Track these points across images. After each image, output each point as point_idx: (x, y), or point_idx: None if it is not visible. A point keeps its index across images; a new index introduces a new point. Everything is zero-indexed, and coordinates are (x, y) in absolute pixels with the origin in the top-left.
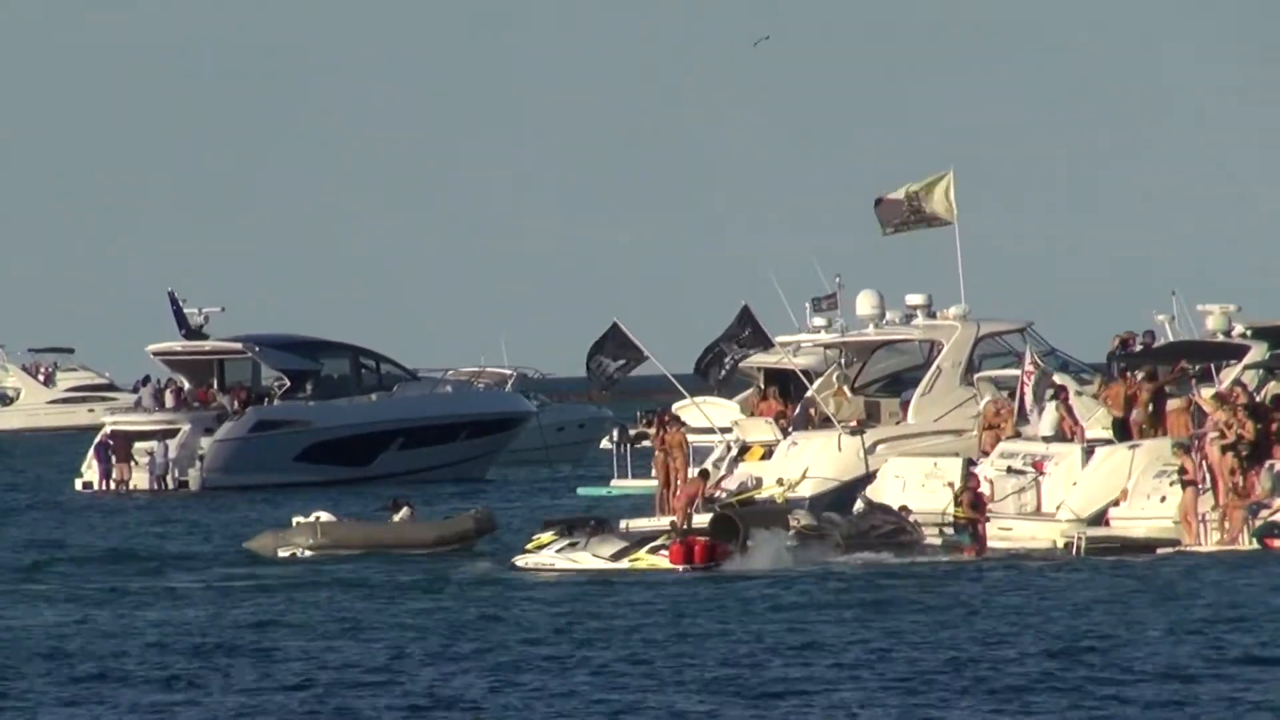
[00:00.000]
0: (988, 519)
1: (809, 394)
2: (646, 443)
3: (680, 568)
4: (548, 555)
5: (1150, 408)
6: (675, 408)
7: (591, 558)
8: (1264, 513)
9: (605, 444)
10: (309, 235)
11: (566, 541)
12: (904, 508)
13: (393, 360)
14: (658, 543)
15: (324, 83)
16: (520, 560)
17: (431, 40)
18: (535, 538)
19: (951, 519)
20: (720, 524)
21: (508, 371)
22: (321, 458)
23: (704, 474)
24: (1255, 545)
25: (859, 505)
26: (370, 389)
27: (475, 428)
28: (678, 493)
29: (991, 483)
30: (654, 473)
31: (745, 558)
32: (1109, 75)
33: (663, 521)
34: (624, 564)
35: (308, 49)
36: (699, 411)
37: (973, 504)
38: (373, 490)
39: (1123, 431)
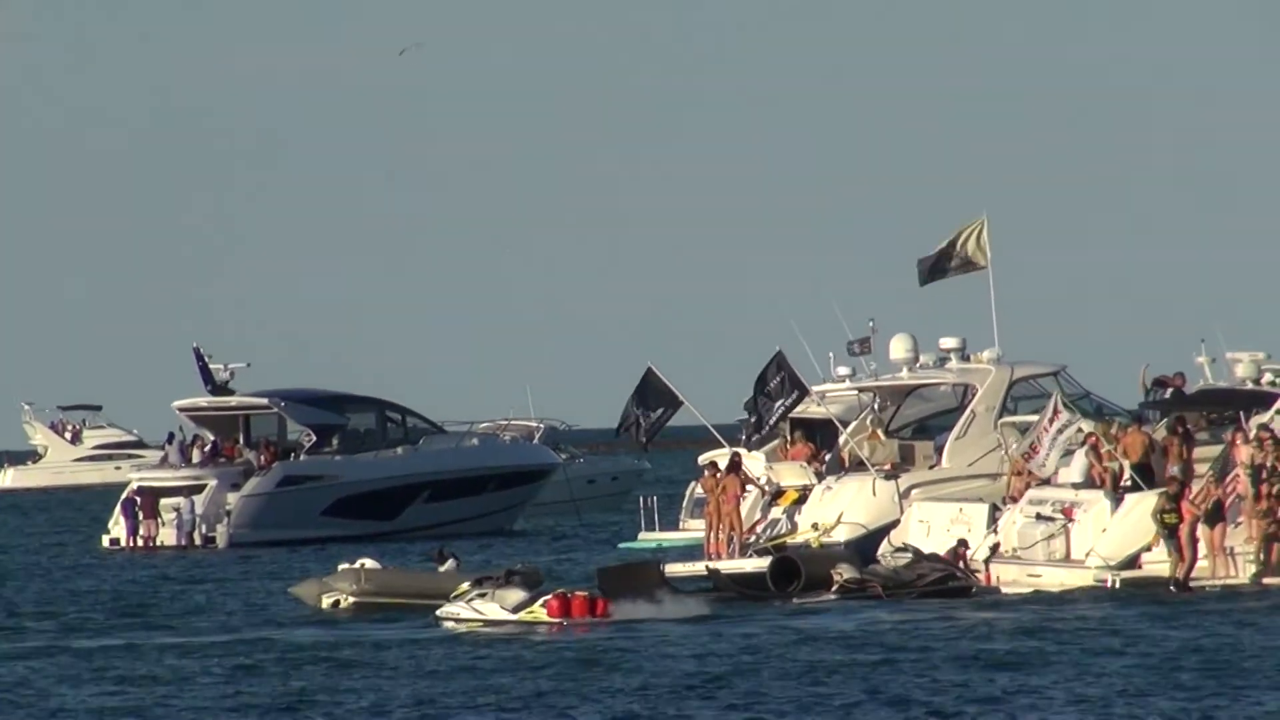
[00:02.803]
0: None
1: (843, 438)
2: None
3: (560, 621)
4: (459, 605)
5: (1182, 456)
6: (703, 459)
7: (497, 609)
8: None
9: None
10: (334, 289)
11: (477, 592)
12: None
13: (419, 414)
14: (548, 596)
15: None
16: (440, 610)
17: (469, 130)
18: (458, 588)
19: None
20: (780, 567)
21: (534, 424)
22: (348, 512)
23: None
24: None
25: (887, 548)
26: (396, 443)
27: (501, 480)
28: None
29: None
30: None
31: (628, 609)
32: (1145, 112)
33: (697, 566)
34: (521, 615)
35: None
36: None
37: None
38: (402, 543)
39: (1148, 478)
